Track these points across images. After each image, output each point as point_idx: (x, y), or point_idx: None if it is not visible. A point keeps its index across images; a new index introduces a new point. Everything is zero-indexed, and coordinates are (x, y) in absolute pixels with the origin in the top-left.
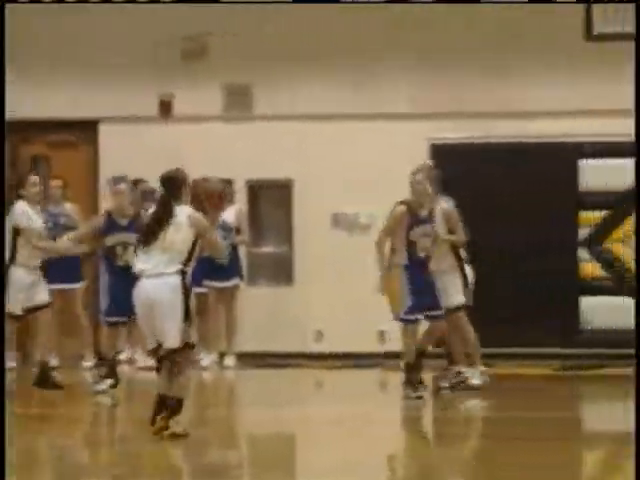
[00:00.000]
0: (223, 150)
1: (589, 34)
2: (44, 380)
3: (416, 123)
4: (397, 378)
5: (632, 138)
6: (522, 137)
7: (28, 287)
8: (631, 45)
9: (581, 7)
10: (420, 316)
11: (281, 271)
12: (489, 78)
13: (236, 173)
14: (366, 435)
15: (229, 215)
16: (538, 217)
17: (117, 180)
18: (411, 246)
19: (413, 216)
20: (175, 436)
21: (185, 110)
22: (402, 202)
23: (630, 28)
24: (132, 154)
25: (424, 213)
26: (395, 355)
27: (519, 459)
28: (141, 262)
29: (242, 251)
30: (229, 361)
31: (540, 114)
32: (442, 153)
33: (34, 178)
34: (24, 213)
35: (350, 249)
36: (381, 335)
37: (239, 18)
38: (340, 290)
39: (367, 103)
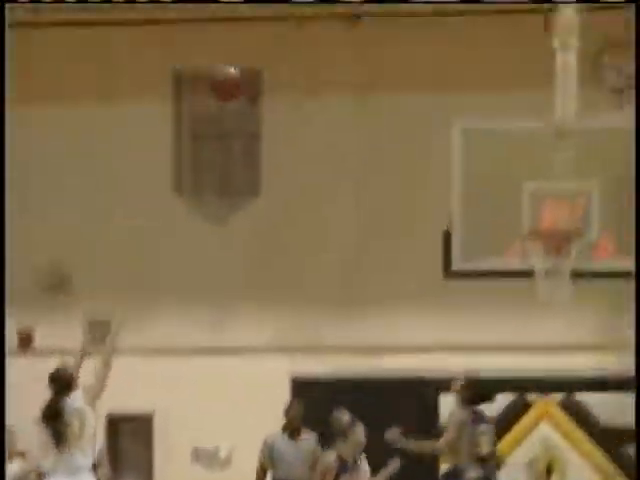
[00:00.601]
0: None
1: (447, 271)
2: None
3: (276, 357)
4: None
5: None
6: (383, 372)
7: None
8: (489, 283)
9: (440, 242)
10: None
11: None
12: (349, 313)
13: (96, 406)
14: None
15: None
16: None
17: None
18: None
19: (343, 465)
20: None
21: (46, 343)
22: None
23: (488, 265)
24: None
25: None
26: None
27: None
28: (50, 462)
29: None
30: None
31: (401, 348)
32: (303, 388)
33: None
34: None
35: None
36: None
37: (100, 250)
38: None
39: (227, 337)
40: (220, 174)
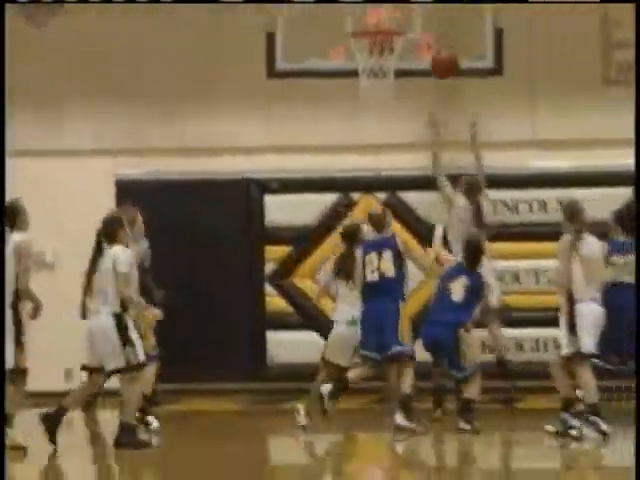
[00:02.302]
0: None
1: (270, 71)
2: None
3: (101, 159)
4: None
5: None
6: (208, 173)
7: None
8: (313, 82)
9: (263, 43)
10: None
11: None
12: (172, 114)
13: None
14: None
15: None
16: (224, 252)
17: None
18: None
19: None
20: None
21: None
22: None
23: (312, 65)
24: None
25: None
26: None
27: None
28: None
29: None
30: None
31: (226, 150)
32: (128, 189)
33: None
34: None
35: (36, 288)
36: (67, 373)
37: None
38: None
39: (51, 139)
40: None
